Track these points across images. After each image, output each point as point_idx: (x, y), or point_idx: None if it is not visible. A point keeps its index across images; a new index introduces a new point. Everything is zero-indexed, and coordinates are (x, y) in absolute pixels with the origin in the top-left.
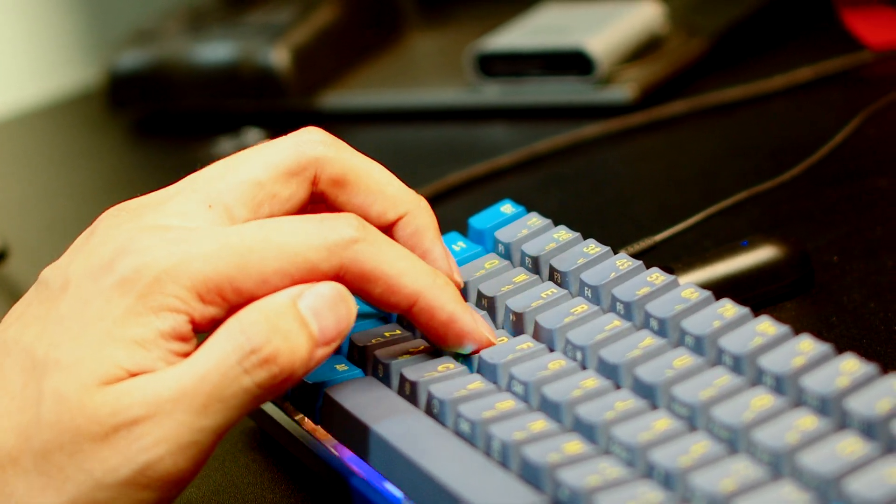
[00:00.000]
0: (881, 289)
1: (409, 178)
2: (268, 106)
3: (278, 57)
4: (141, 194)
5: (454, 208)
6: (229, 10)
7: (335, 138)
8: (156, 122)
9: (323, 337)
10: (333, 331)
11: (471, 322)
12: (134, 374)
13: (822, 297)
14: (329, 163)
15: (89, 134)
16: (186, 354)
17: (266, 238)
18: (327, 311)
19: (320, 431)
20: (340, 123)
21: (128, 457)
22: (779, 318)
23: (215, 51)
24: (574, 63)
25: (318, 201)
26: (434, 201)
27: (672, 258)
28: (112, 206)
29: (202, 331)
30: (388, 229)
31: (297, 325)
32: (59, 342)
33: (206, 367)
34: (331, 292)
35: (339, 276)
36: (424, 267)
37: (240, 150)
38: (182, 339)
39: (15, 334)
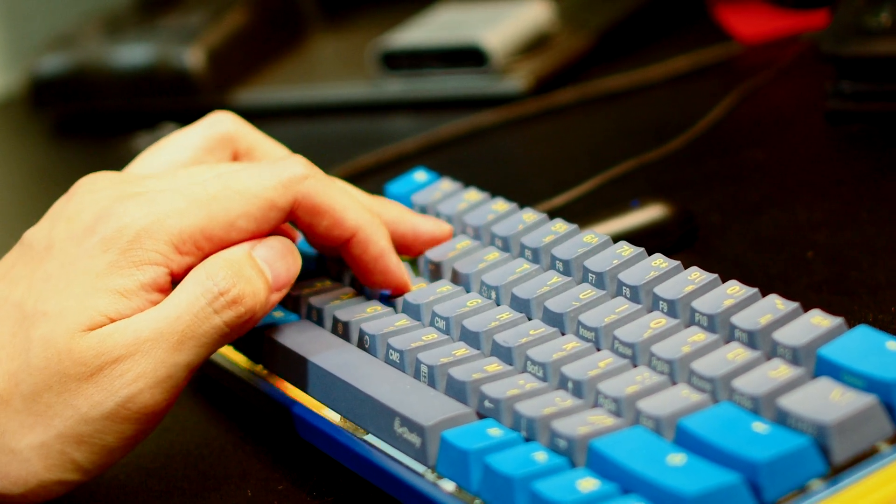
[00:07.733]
0: (759, 242)
1: (320, 166)
2: (184, 104)
3: (193, 58)
4: (64, 191)
5: (364, 189)
6: (144, 15)
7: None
8: (76, 122)
9: (276, 283)
10: (284, 277)
11: (396, 262)
12: (115, 321)
13: (706, 251)
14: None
15: (13, 135)
16: None
17: (227, 186)
18: (278, 261)
19: (261, 370)
20: (253, 119)
21: (111, 391)
22: None
23: (132, 53)
24: (471, 57)
25: None
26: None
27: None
28: (36, 201)
29: (180, 280)
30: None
31: (256, 272)
32: (47, 297)
33: (180, 309)
34: (280, 244)
35: (292, 212)
36: (363, 205)
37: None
38: (161, 290)
39: (2, 292)
